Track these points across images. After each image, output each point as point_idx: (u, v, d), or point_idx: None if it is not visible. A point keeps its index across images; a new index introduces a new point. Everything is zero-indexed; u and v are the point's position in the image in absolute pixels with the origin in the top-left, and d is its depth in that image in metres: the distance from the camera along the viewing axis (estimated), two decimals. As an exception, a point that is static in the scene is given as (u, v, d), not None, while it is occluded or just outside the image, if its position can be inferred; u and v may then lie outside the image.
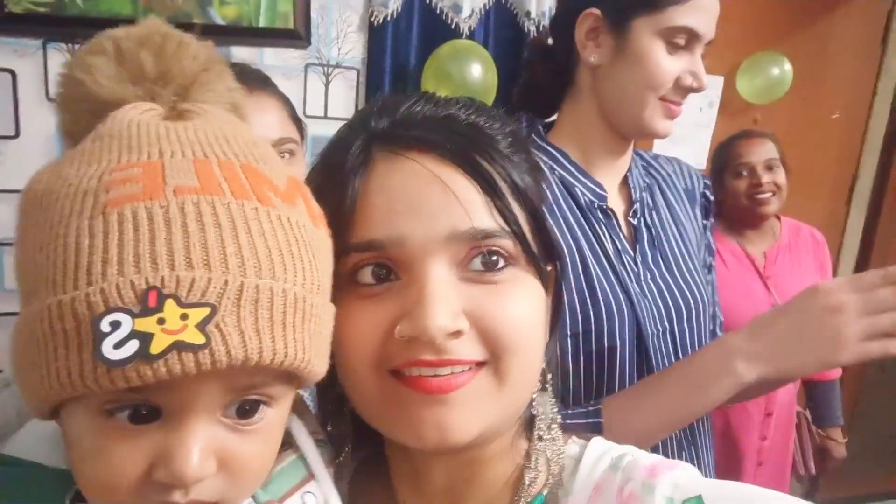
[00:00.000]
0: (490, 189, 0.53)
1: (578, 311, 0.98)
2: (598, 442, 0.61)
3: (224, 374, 0.41)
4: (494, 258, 0.53)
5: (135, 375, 0.37)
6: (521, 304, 0.54)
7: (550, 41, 1.14)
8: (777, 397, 2.01)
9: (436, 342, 0.49)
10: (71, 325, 0.38)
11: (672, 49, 0.99)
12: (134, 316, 0.37)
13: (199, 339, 0.38)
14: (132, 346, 0.37)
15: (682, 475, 0.54)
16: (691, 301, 1.09)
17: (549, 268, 0.59)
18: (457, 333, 0.50)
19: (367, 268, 0.53)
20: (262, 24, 2.15)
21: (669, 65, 0.99)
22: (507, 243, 0.53)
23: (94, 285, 0.38)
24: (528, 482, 0.59)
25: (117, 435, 0.42)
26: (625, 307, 1.01)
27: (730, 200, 2.13)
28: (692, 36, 0.98)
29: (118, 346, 0.37)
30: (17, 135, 1.96)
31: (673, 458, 1.03)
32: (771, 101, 2.89)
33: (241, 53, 2.16)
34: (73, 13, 1.94)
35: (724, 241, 2.13)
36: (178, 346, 0.37)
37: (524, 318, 0.54)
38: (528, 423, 0.62)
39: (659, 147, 2.80)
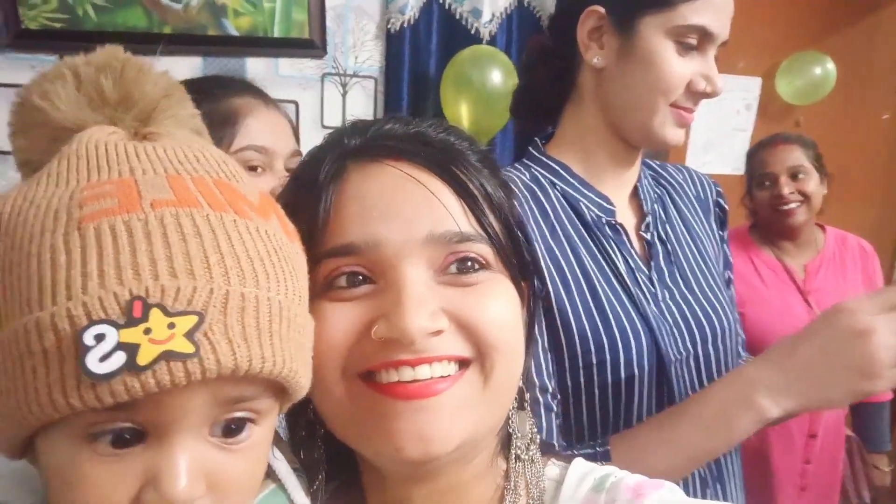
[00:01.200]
0: (465, 193, 0.54)
1: (591, 339, 0.90)
2: (579, 463, 0.61)
3: (212, 387, 0.40)
4: (470, 263, 0.53)
5: (122, 389, 0.36)
6: (501, 302, 0.54)
7: (550, 42, 1.06)
8: (822, 418, 1.91)
9: (415, 344, 0.49)
10: (51, 342, 0.37)
11: (683, 50, 0.91)
12: (119, 327, 0.36)
13: (189, 349, 0.37)
14: (118, 358, 0.36)
15: (668, 495, 0.54)
16: (716, 321, 1.00)
17: (522, 283, 0.59)
18: (436, 333, 0.50)
19: (342, 276, 0.53)
20: (277, 33, 2.14)
21: (680, 67, 0.91)
22: (484, 248, 0.54)
23: (74, 299, 0.37)
24: None
25: (101, 461, 0.40)
26: (642, 332, 0.92)
27: (761, 210, 2.04)
28: (704, 36, 0.91)
29: (104, 359, 0.36)
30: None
31: (697, 496, 0.96)
32: (813, 102, 2.79)
33: (257, 64, 2.15)
34: (89, 28, 1.95)
35: (760, 253, 2.04)
36: (167, 356, 0.37)
37: (505, 316, 0.54)
38: (507, 443, 0.61)
39: (692, 151, 2.69)
